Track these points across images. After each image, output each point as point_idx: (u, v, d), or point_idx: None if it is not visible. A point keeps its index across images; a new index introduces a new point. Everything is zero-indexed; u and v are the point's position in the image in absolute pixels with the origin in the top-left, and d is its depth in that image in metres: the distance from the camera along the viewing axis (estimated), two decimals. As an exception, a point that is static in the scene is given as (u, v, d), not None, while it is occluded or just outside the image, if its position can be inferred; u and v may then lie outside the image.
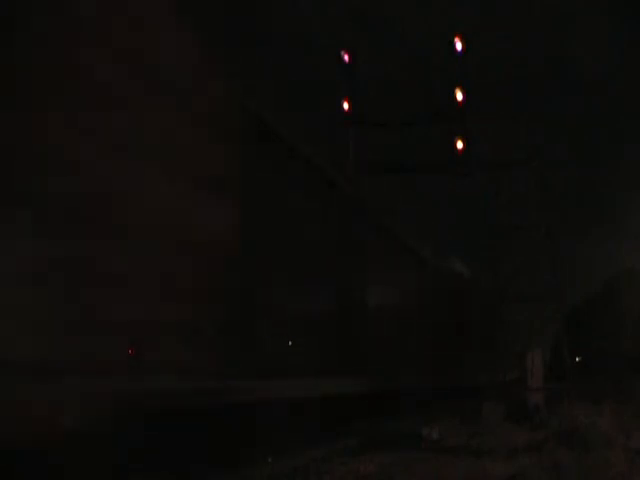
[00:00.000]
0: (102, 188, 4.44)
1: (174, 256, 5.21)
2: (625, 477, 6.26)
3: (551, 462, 6.91)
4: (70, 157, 4.23)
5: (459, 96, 16.61)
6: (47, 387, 3.86)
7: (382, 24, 23.43)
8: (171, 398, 4.86)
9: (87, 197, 4.30)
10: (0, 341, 3.68)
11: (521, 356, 13.77)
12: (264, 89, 7.61)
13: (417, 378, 13.48)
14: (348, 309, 9.41)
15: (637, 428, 8.86)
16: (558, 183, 24.37)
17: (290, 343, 7.53)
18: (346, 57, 17.53)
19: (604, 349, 29.37)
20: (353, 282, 9.79)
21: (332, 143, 15.92)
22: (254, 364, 6.45)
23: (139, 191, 4.81)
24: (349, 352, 9.24)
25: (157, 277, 4.95)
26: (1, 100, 3.88)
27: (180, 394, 4.99)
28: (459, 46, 16.69)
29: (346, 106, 17.46)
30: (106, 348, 4.36)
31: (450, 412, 12.82)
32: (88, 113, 4.37)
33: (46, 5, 4.13)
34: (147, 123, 4.96)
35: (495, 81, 20.98)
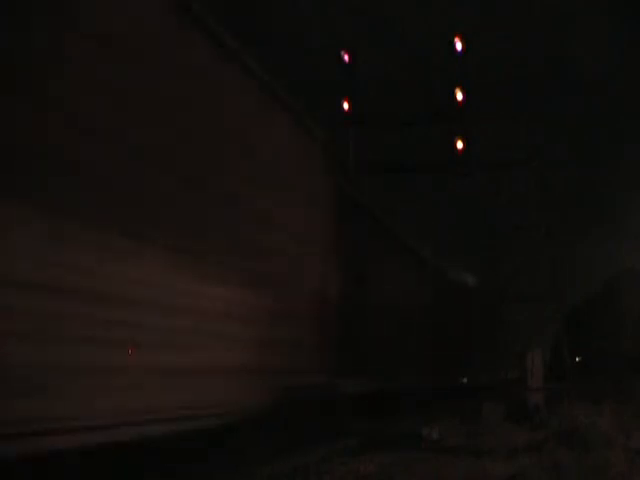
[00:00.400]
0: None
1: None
2: (625, 477, 6.25)
3: (551, 462, 6.90)
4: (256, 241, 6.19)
5: (459, 96, 16.64)
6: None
7: (382, 24, 23.44)
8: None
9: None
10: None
11: (521, 356, 13.73)
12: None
13: (417, 378, 13.48)
14: (348, 309, 9.40)
15: (637, 428, 8.84)
16: (558, 183, 24.35)
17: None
18: (346, 57, 17.55)
19: (604, 349, 29.31)
20: (353, 282, 9.78)
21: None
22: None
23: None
24: (349, 352, 9.24)
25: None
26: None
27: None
28: (459, 46, 16.73)
29: (346, 106, 17.48)
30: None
31: (450, 412, 12.82)
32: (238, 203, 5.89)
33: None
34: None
35: (495, 81, 21.02)
